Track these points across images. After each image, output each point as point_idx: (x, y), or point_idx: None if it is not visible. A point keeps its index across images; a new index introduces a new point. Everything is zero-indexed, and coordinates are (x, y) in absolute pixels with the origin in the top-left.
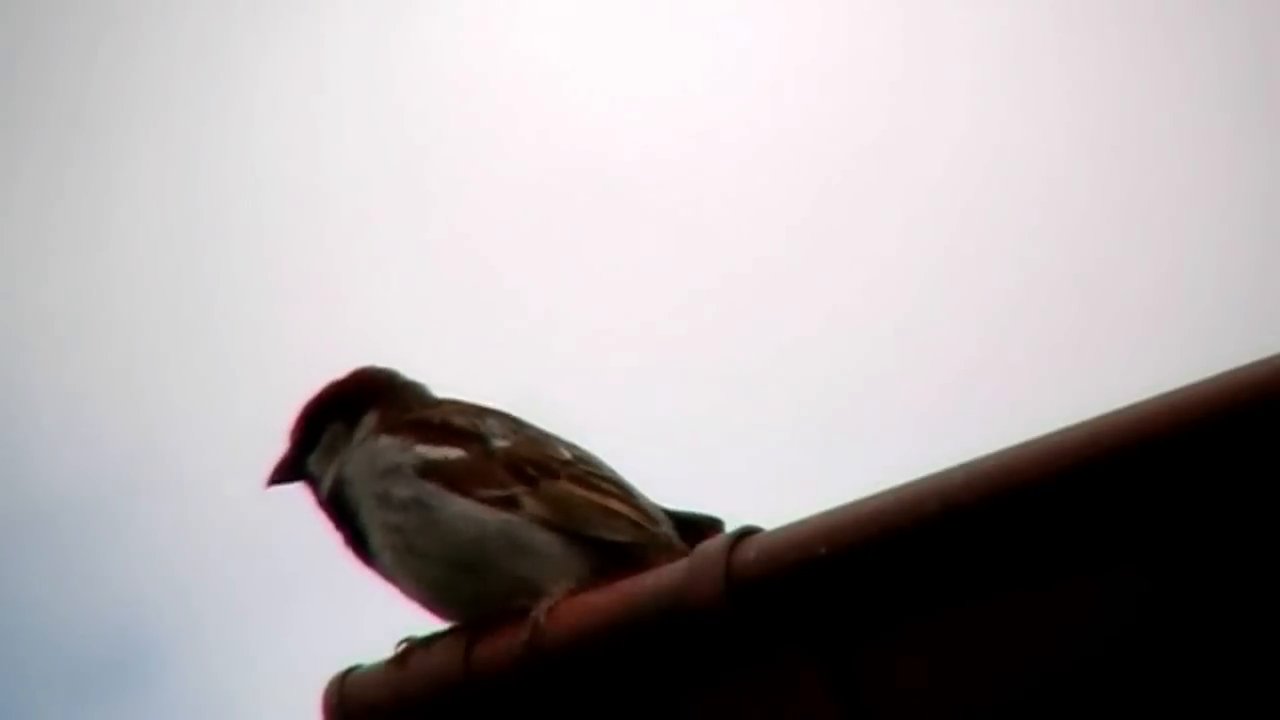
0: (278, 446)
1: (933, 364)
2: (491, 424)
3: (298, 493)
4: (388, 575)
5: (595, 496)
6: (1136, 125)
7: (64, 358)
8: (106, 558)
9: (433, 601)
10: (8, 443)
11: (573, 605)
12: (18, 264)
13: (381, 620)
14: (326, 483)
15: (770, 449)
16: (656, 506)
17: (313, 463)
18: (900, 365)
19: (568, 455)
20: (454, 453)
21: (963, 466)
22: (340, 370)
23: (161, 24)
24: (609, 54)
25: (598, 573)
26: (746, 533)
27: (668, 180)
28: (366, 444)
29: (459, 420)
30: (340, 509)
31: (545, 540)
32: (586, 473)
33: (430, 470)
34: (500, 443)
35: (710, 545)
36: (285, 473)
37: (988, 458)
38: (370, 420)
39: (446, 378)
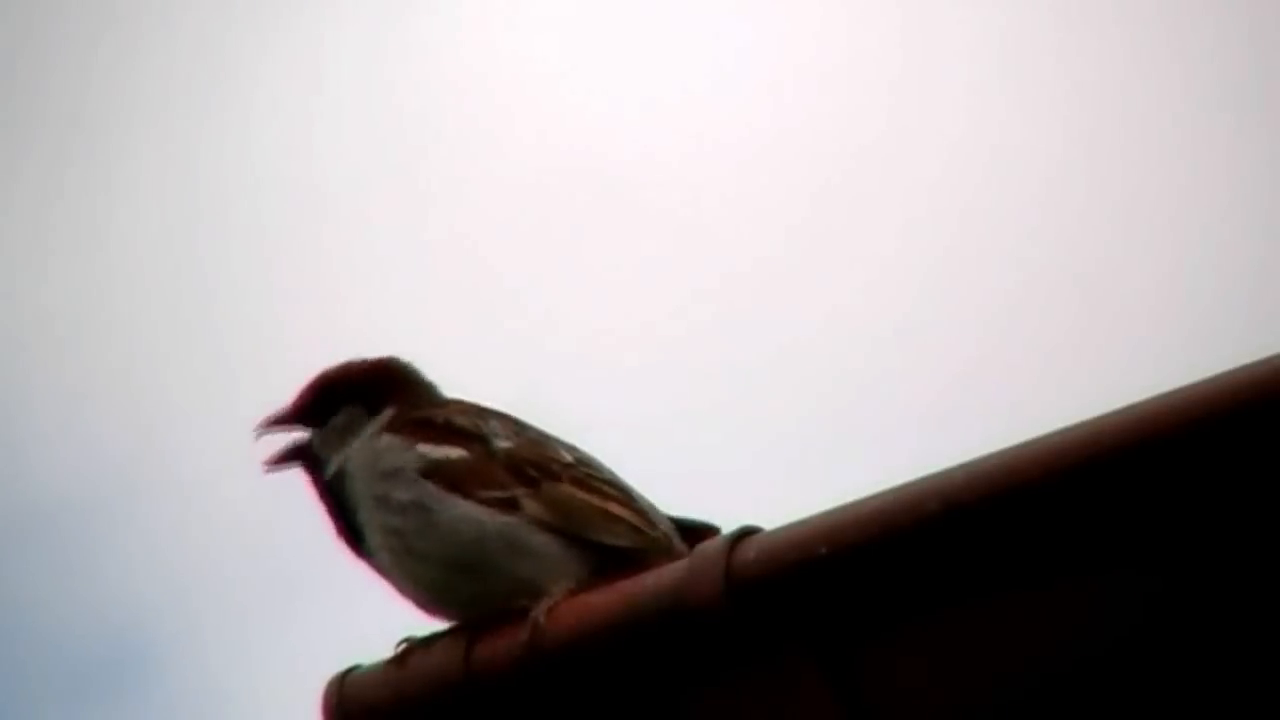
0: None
1: (933, 364)
2: (494, 425)
3: (295, 475)
4: (383, 573)
5: (596, 500)
6: (1136, 125)
7: (63, 358)
8: (106, 558)
9: (431, 602)
10: (7, 442)
11: (573, 605)
12: (18, 264)
13: (381, 620)
14: (331, 467)
15: (770, 449)
16: (657, 510)
17: (318, 438)
18: (900, 365)
19: (569, 458)
20: (455, 452)
21: (963, 466)
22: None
23: (161, 24)
24: (608, 54)
25: (598, 574)
26: (746, 533)
27: (668, 180)
28: (372, 441)
29: (461, 420)
30: (338, 501)
31: (545, 542)
32: (587, 475)
33: (432, 470)
34: (502, 444)
35: (710, 545)
36: (284, 427)
37: (988, 457)
38: (387, 415)
39: (446, 378)
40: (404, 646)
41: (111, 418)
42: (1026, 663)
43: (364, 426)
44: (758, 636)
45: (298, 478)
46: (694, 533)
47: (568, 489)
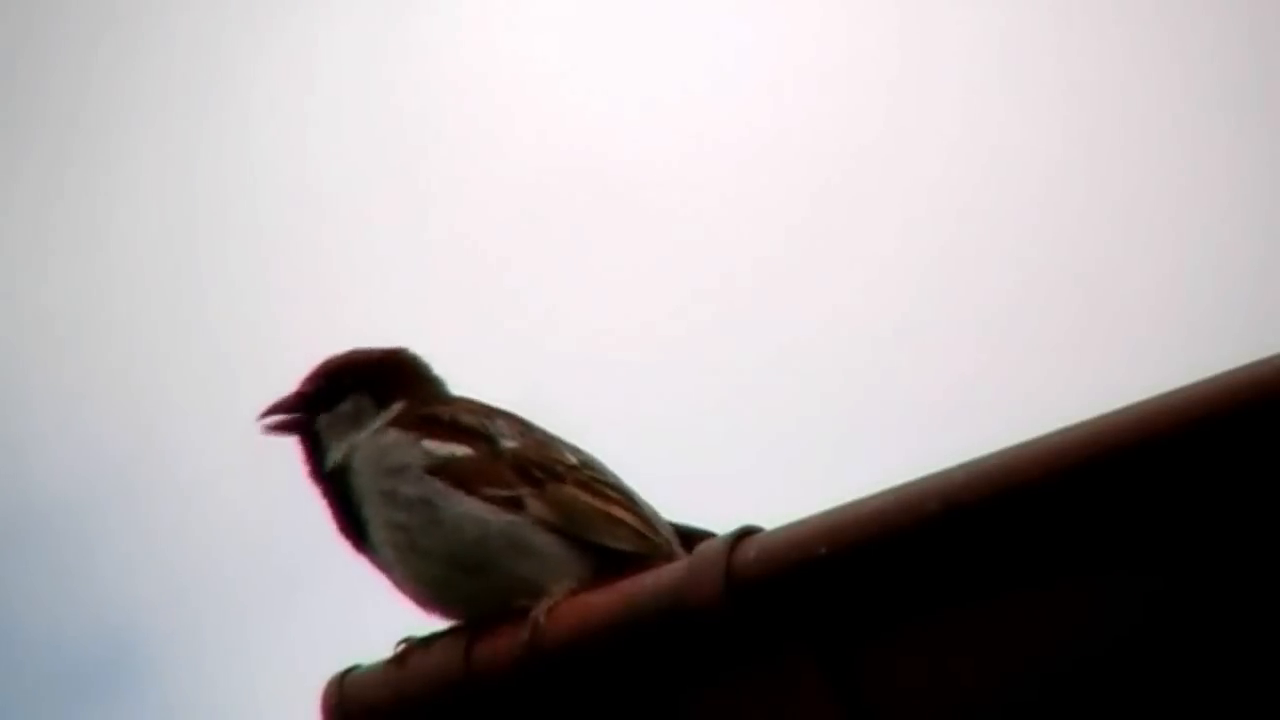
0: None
1: (933, 364)
2: (500, 424)
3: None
4: (385, 569)
5: (599, 503)
6: (1136, 125)
7: (62, 358)
8: (104, 558)
9: (433, 599)
10: (6, 442)
11: (573, 605)
12: (17, 264)
13: (381, 620)
14: (334, 456)
15: (770, 449)
16: (659, 516)
17: (324, 423)
18: (900, 365)
19: (574, 459)
20: (461, 450)
21: (963, 466)
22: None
23: (161, 25)
24: (608, 54)
25: (598, 577)
26: (746, 533)
27: (668, 180)
28: (378, 436)
29: (467, 419)
30: (342, 495)
31: (547, 542)
32: (591, 478)
33: (438, 467)
34: (508, 443)
35: (710, 545)
36: (289, 424)
37: (988, 457)
38: (396, 408)
39: (447, 378)
40: (404, 646)
41: (110, 418)
42: (1026, 663)
43: (370, 418)
44: (758, 636)
45: (296, 479)
46: (694, 539)
47: (572, 491)
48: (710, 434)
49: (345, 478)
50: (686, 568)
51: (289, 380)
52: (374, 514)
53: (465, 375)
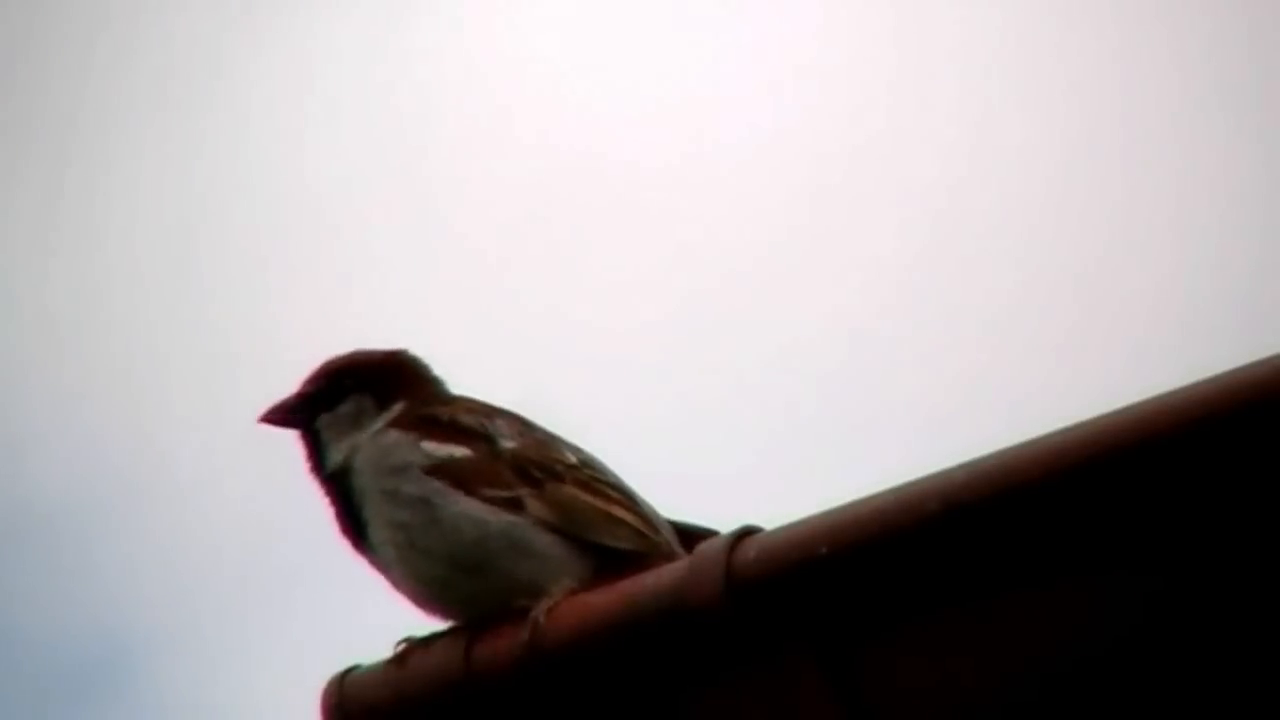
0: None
1: (933, 364)
2: (500, 424)
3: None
4: (385, 569)
5: (599, 502)
6: (1136, 125)
7: (62, 358)
8: (103, 558)
9: (432, 599)
10: (5, 442)
11: (573, 605)
12: (17, 264)
13: (381, 620)
14: (335, 458)
15: (770, 449)
16: (659, 515)
17: (324, 423)
18: (900, 365)
19: (573, 459)
20: (460, 451)
21: (964, 466)
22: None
23: (160, 25)
24: (609, 54)
25: (598, 576)
26: (746, 533)
27: (668, 180)
28: (379, 437)
29: (467, 419)
30: (343, 495)
31: (547, 542)
32: (591, 478)
33: (437, 468)
34: (507, 443)
35: (710, 545)
36: (286, 417)
37: (988, 457)
38: (397, 409)
39: (447, 378)
40: (404, 646)
41: (109, 418)
42: (1026, 663)
43: (371, 419)
44: (758, 636)
45: (296, 479)
46: (694, 538)
47: (571, 490)
48: (710, 434)
49: (346, 478)
50: (686, 568)
51: (289, 380)
52: (374, 514)
53: (465, 375)
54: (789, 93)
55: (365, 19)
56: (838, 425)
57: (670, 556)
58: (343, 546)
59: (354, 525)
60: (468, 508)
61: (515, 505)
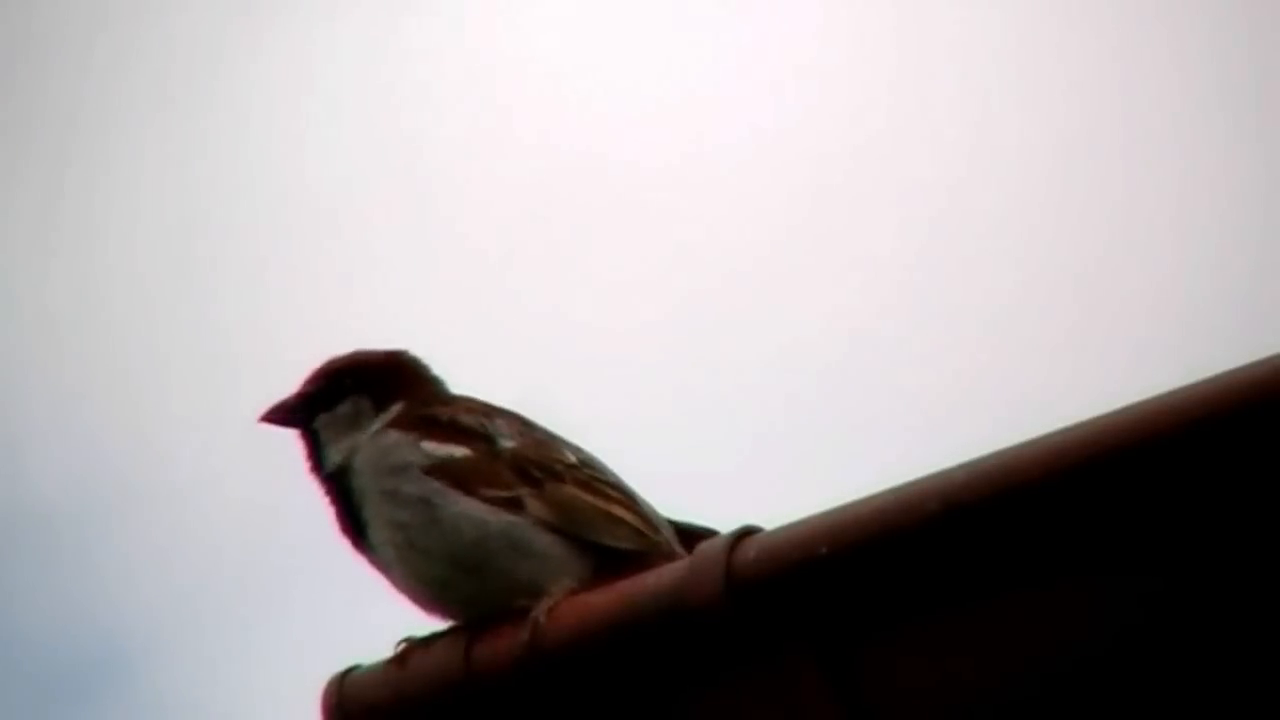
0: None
1: (933, 364)
2: (499, 424)
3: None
4: (385, 569)
5: (599, 502)
6: (1136, 125)
7: (62, 358)
8: (102, 558)
9: (433, 599)
10: (4, 442)
11: (573, 605)
12: (17, 264)
13: (381, 620)
14: (334, 458)
15: (770, 449)
16: (659, 514)
17: (323, 423)
18: (900, 365)
19: (573, 459)
20: (460, 451)
21: (963, 466)
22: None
23: (160, 25)
24: (609, 54)
25: (598, 576)
26: (746, 532)
27: (668, 179)
28: (378, 437)
29: (466, 419)
30: (343, 495)
31: (547, 542)
32: (591, 477)
33: (436, 468)
34: (507, 443)
35: (710, 545)
36: (286, 417)
37: (988, 457)
38: (395, 410)
39: (447, 378)
40: (404, 646)
41: (109, 418)
42: (1026, 663)
43: (370, 419)
44: (758, 636)
45: (295, 479)
46: (694, 537)
47: (571, 490)
48: (710, 434)
49: (346, 478)
50: (686, 567)
51: (289, 380)
52: (374, 514)
53: (465, 375)
54: (789, 93)
55: (365, 19)
56: (838, 425)
57: (670, 556)
58: (343, 546)
59: (354, 525)
60: (467, 508)
61: (515, 505)
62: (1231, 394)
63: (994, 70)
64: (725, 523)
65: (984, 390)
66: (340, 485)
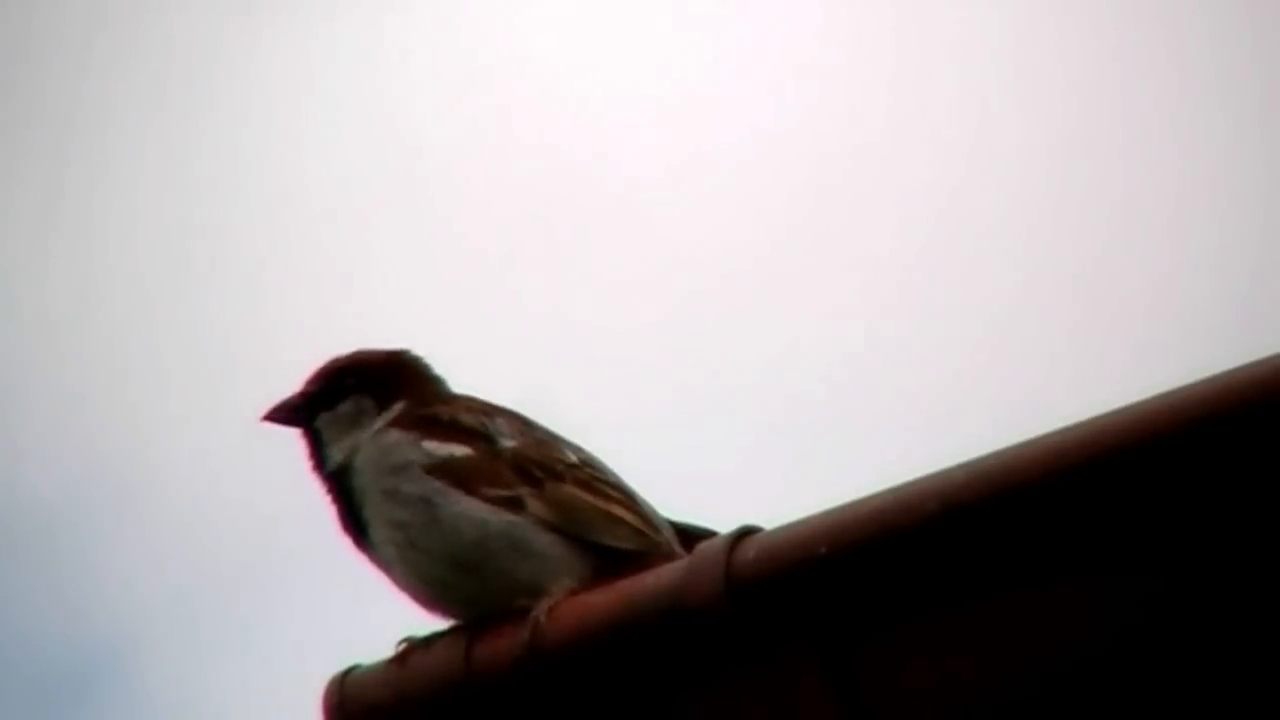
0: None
1: (933, 364)
2: (500, 423)
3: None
4: (386, 568)
5: (600, 502)
6: (1136, 125)
7: (62, 358)
8: (101, 559)
9: (433, 599)
10: (3, 443)
11: (573, 605)
12: (17, 264)
13: (381, 620)
14: (336, 457)
15: (770, 449)
16: (659, 514)
17: (324, 422)
18: (900, 365)
19: (574, 458)
20: (460, 450)
21: (963, 466)
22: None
23: (159, 25)
24: (609, 54)
25: (599, 576)
26: (746, 532)
27: (668, 180)
28: (379, 436)
29: (467, 419)
30: (344, 494)
31: (548, 542)
32: (592, 477)
33: (437, 468)
34: (508, 443)
35: (710, 545)
36: (289, 416)
37: (988, 457)
38: (397, 409)
39: (447, 377)
40: (404, 646)
41: (108, 419)
42: (1026, 663)
43: (371, 418)
44: (758, 636)
45: (294, 479)
46: (694, 538)
47: (572, 490)
48: (711, 434)
49: (347, 477)
50: (686, 567)
51: (289, 380)
52: (375, 513)
53: (465, 375)
54: (789, 93)
55: (364, 19)
56: (838, 425)
57: (670, 556)
58: (343, 545)
59: (355, 524)
60: (468, 507)
61: (515, 505)
62: (1231, 394)
63: (994, 70)
64: (725, 523)
65: (984, 390)
66: (341, 484)
